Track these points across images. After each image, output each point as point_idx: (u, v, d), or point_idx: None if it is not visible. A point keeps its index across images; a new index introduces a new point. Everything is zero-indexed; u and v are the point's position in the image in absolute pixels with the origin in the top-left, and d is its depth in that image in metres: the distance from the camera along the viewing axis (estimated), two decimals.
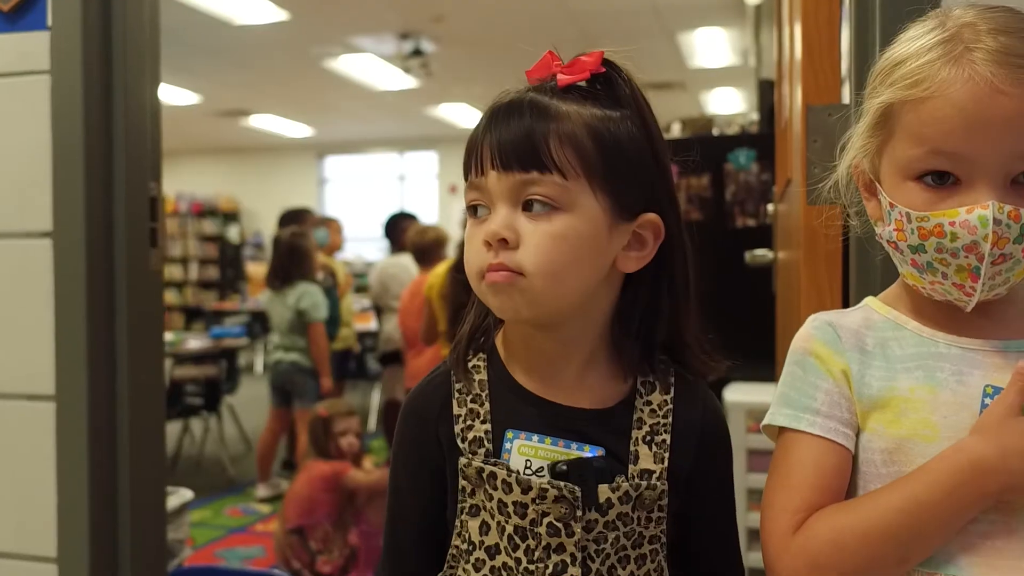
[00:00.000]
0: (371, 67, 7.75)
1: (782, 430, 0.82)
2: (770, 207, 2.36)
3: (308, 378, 4.25)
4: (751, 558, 2.83)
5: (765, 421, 0.84)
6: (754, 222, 3.05)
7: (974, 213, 0.73)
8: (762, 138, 2.99)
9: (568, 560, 0.81)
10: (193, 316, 10.88)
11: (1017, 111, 0.72)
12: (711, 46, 7.11)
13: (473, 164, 0.83)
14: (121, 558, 1.59)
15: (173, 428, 5.16)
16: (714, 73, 8.00)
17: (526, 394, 0.86)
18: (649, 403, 0.86)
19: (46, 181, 1.53)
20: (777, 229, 2.15)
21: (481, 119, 0.85)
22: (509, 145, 0.80)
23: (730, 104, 9.32)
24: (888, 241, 0.81)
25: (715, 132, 3.47)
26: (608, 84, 0.85)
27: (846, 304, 1.32)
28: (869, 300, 0.87)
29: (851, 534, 0.74)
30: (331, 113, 10.04)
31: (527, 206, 0.80)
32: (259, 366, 8.72)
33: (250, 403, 5.84)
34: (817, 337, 0.83)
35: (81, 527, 1.53)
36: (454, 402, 0.87)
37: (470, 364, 0.89)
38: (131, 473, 1.59)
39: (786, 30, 1.84)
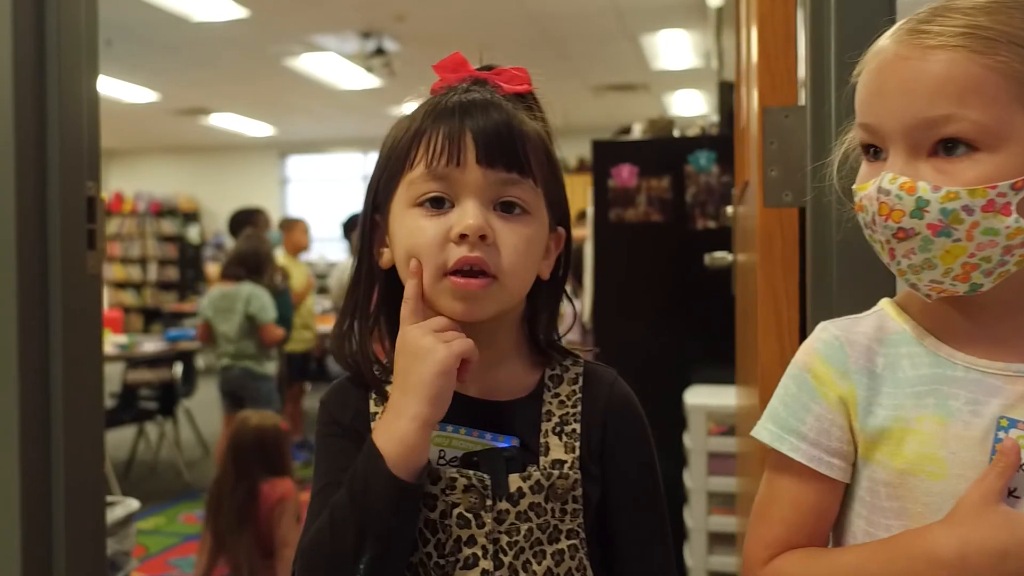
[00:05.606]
0: (333, 66, 7.68)
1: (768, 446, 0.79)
2: (729, 209, 2.34)
3: (261, 383, 4.20)
4: (712, 561, 2.82)
5: (752, 432, 0.80)
6: (715, 224, 3.03)
7: (873, 184, 0.70)
8: (722, 140, 2.98)
9: (479, 553, 0.79)
10: (152, 318, 10.70)
11: (914, 75, 0.68)
12: (674, 48, 7.13)
13: (445, 153, 0.79)
14: (56, 573, 1.53)
15: (127, 433, 5.05)
16: (677, 75, 8.04)
17: None
18: (557, 395, 0.86)
19: None
20: (736, 231, 2.13)
21: (437, 110, 0.81)
22: (496, 141, 0.79)
23: (693, 106, 9.37)
24: None
25: (676, 134, 3.45)
26: (527, 100, 0.87)
27: (803, 310, 1.29)
28: (885, 304, 0.80)
29: None
30: (293, 112, 9.92)
31: (505, 207, 0.80)
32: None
33: (207, 406, 5.74)
34: (821, 353, 0.77)
35: (12, 542, 1.46)
36: (371, 402, 0.86)
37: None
38: (66, 486, 1.52)
39: (744, 32, 1.83)
